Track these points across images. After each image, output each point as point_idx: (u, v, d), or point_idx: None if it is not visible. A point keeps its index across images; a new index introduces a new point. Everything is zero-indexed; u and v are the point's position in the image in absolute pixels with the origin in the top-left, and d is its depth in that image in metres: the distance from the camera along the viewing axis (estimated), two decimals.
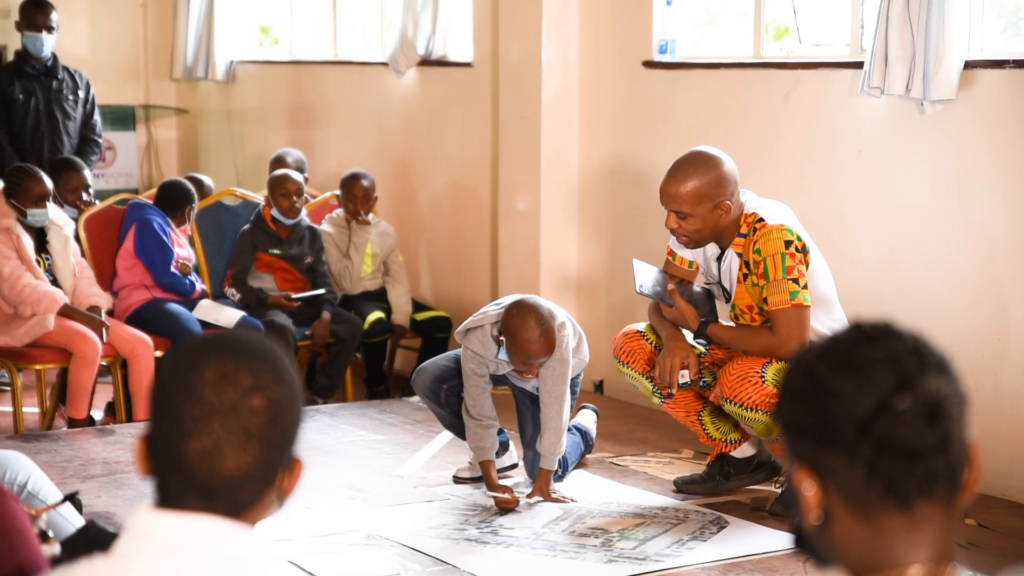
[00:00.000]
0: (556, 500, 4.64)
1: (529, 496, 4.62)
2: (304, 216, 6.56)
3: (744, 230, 4.43)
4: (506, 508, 4.56)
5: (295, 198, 6.44)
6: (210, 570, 1.67)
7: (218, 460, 1.70)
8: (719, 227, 4.40)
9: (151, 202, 6.35)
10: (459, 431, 4.85)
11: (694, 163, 4.38)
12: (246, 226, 6.51)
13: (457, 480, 4.94)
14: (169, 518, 1.70)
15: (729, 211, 4.37)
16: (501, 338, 4.55)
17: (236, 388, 1.70)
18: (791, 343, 4.33)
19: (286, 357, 1.77)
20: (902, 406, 1.50)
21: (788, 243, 4.34)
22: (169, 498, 1.72)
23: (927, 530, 1.52)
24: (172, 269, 6.17)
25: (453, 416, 4.85)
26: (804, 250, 4.37)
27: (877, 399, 1.51)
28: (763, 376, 4.43)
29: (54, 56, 7.11)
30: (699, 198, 4.34)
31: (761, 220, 4.38)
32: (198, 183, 7.02)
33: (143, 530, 1.70)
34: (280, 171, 6.62)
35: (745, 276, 4.45)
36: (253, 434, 1.70)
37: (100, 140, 7.31)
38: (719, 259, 4.52)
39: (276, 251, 6.48)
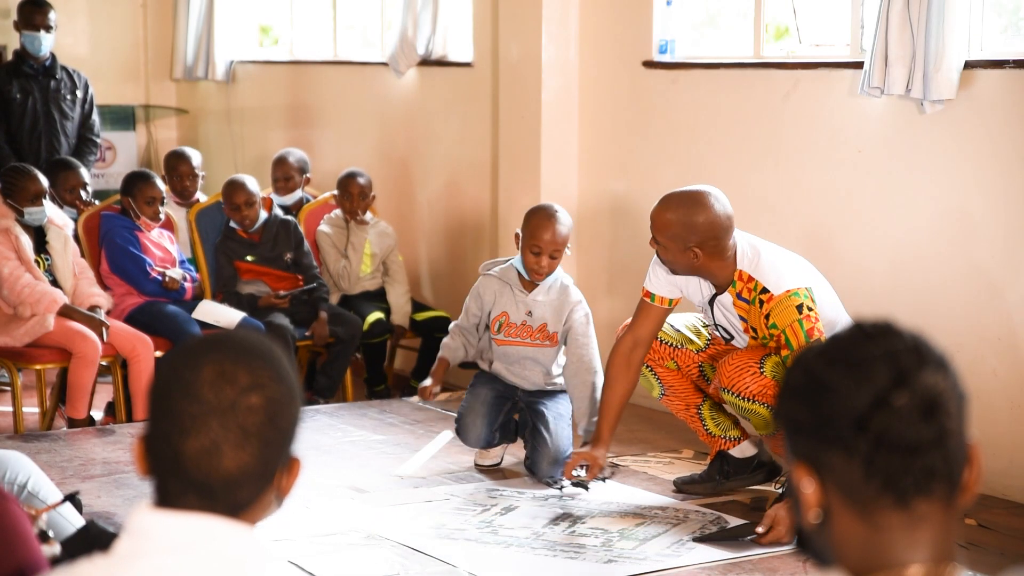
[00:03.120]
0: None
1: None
2: (274, 213, 6.50)
3: (746, 295, 4.38)
4: (422, 399, 5.04)
5: (245, 209, 6.35)
6: (210, 570, 1.67)
7: (216, 459, 1.69)
8: (694, 268, 4.37)
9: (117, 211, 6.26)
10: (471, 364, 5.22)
11: (681, 198, 4.36)
12: (218, 239, 6.47)
13: (478, 467, 5.08)
14: (168, 518, 1.70)
15: (700, 258, 4.32)
16: (518, 233, 4.89)
17: (234, 387, 1.70)
18: None
19: (284, 356, 1.77)
20: (899, 402, 1.51)
21: (799, 307, 4.28)
22: (168, 497, 1.72)
23: (927, 529, 1.52)
24: (153, 275, 6.14)
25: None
26: (814, 302, 4.33)
27: (874, 394, 1.51)
28: (762, 367, 4.43)
29: (53, 56, 7.10)
30: (670, 233, 4.34)
31: (765, 291, 4.33)
32: (180, 157, 6.77)
33: (142, 530, 1.69)
34: (228, 180, 6.48)
35: (754, 337, 4.45)
36: (251, 433, 1.70)
37: (98, 140, 7.29)
38: (711, 302, 4.50)
39: (251, 257, 6.42)
